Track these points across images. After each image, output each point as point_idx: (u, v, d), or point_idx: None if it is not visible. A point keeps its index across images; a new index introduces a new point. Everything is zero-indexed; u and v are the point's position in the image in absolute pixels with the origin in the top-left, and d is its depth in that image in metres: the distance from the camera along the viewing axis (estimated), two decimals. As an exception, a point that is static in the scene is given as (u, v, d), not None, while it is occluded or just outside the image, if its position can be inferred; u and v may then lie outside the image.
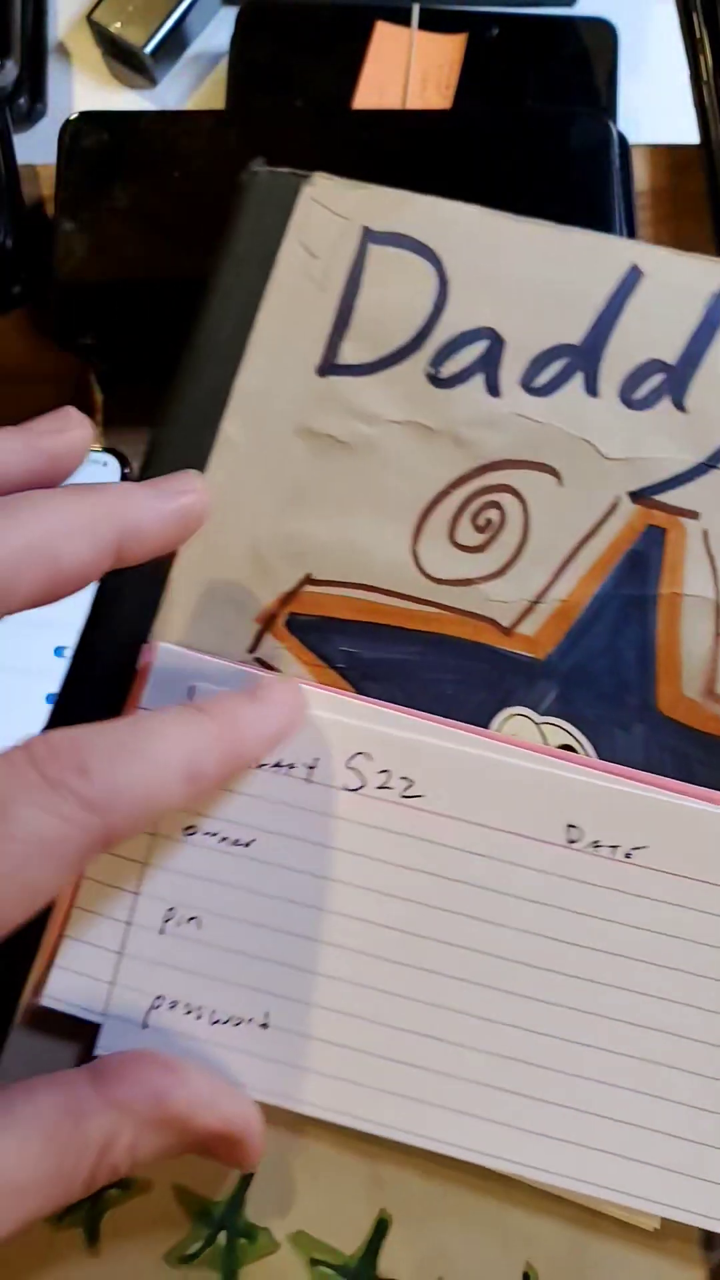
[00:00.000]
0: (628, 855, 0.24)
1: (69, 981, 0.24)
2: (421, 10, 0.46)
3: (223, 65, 0.47)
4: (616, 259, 0.26)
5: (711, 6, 0.38)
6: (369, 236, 0.26)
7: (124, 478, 0.38)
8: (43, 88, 0.47)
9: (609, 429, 0.25)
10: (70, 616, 0.37)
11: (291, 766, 0.24)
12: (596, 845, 0.24)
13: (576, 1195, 0.23)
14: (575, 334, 0.25)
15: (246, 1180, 0.24)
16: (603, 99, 0.46)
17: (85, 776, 0.19)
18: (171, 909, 0.24)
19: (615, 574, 0.25)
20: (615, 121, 0.44)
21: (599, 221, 0.37)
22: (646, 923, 0.23)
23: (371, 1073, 0.23)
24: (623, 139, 0.39)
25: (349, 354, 0.26)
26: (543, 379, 0.25)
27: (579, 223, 0.37)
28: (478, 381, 0.25)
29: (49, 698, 0.36)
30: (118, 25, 0.46)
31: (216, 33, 0.48)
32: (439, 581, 0.25)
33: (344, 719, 0.24)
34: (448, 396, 0.25)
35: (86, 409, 0.40)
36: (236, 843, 0.24)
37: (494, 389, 0.25)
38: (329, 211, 0.27)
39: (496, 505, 0.25)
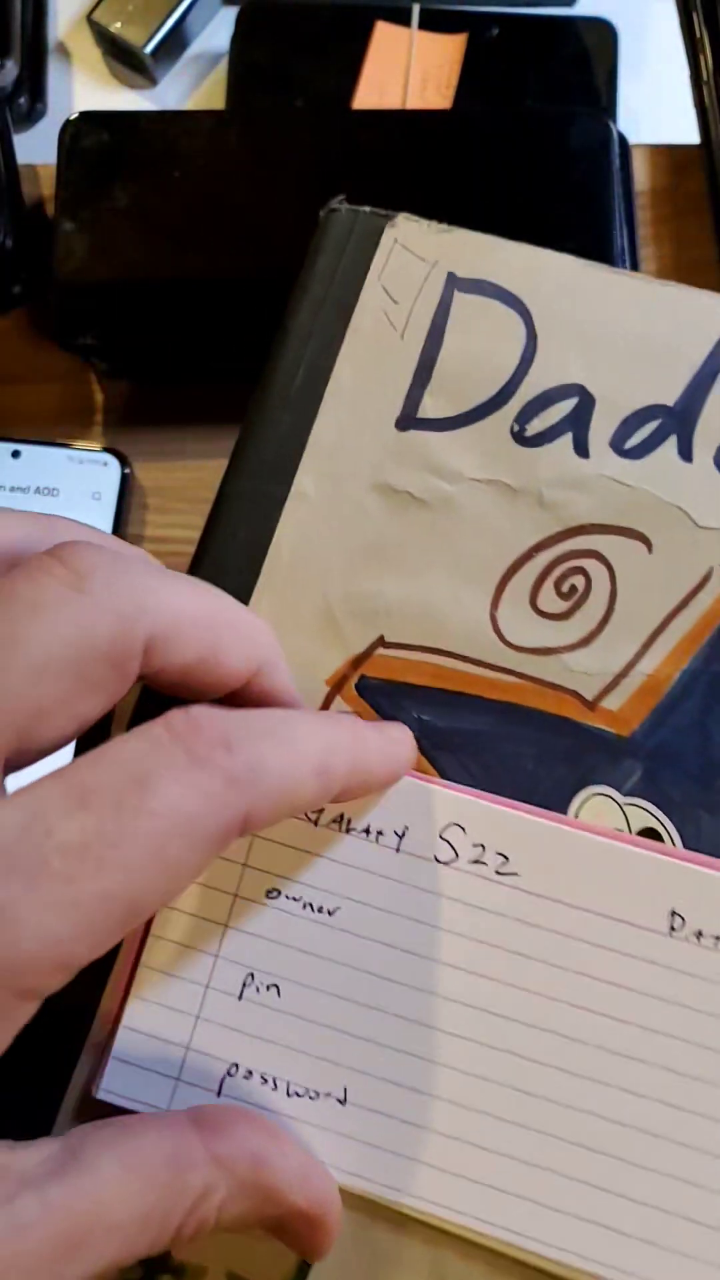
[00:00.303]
0: None
1: (139, 1043, 0.23)
2: (421, 10, 0.46)
3: (223, 65, 0.47)
4: (714, 316, 0.25)
5: (712, 6, 0.38)
6: (454, 283, 0.25)
7: (124, 478, 0.38)
8: (43, 87, 0.47)
9: (703, 496, 0.24)
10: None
11: (381, 834, 0.23)
12: (700, 935, 0.22)
13: None
14: (669, 395, 0.24)
15: (304, 1270, 0.22)
16: (603, 99, 0.46)
17: (230, 752, 0.18)
18: (251, 974, 0.23)
19: (706, 648, 0.23)
20: (615, 121, 0.44)
21: (599, 222, 0.37)
22: None
23: (452, 1158, 0.22)
24: (623, 139, 0.39)
25: (430, 407, 0.25)
26: (634, 441, 0.24)
27: (578, 222, 0.37)
28: (565, 441, 0.24)
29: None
30: (118, 25, 0.46)
31: (216, 33, 0.48)
32: (519, 649, 0.24)
33: (438, 788, 0.23)
34: (533, 455, 0.24)
35: (87, 409, 0.40)
36: (321, 909, 0.23)
37: (582, 449, 0.24)
38: (412, 254, 0.26)
39: (582, 571, 0.24)
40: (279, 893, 0.23)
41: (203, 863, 0.18)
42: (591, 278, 0.25)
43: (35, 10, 0.47)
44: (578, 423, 0.24)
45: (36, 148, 0.41)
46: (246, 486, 0.26)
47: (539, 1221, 0.22)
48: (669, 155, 0.41)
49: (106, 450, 0.38)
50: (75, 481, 0.37)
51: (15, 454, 0.38)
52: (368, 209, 0.26)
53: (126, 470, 0.38)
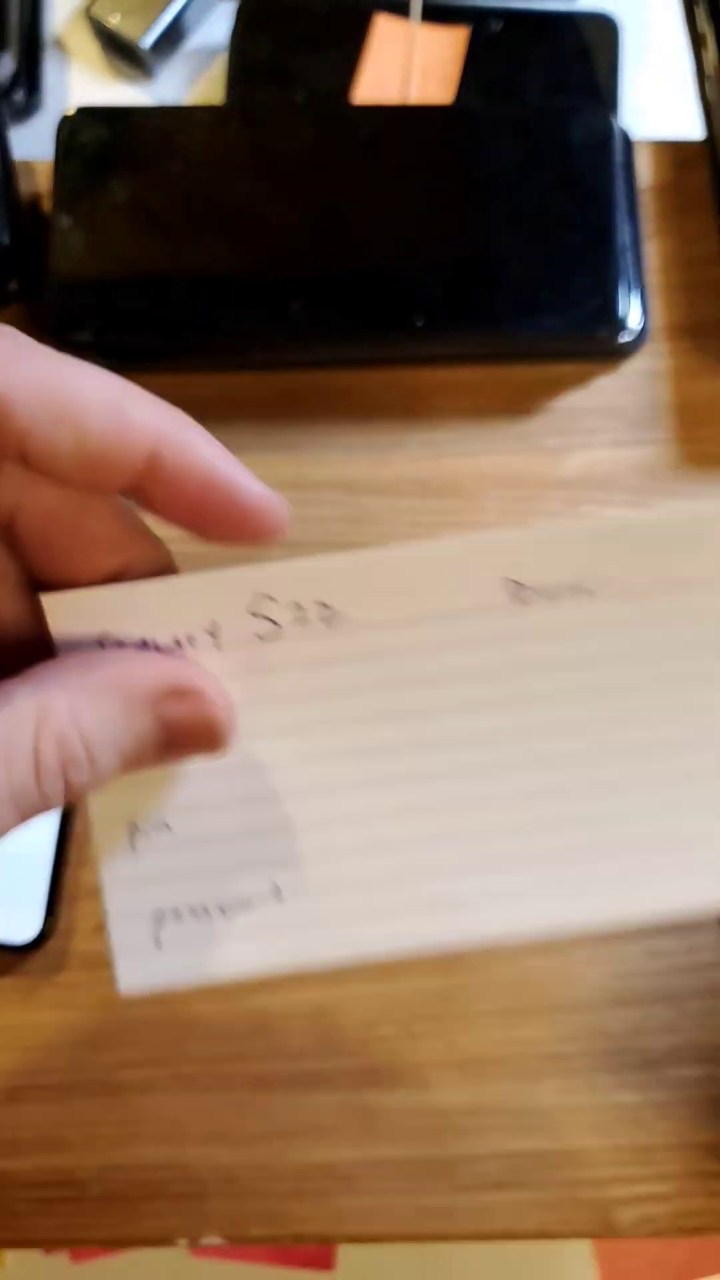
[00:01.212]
0: (583, 590, 0.22)
1: (125, 929, 0.23)
2: (423, 3, 0.46)
3: (221, 59, 0.46)
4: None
5: (715, 2, 0.38)
6: None
7: (122, 475, 0.37)
8: (39, 82, 0.47)
9: None
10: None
11: (192, 639, 0.22)
12: (537, 592, 0.22)
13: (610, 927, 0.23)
14: None
15: None
16: (605, 94, 0.45)
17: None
18: (132, 825, 0.23)
19: None
20: (618, 116, 0.43)
21: (601, 217, 0.37)
22: (618, 649, 0.22)
23: (398, 894, 0.22)
24: (626, 134, 0.39)
25: None
26: None
27: (580, 218, 0.36)
28: None
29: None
30: (116, 19, 0.46)
31: (215, 26, 0.48)
32: None
33: (226, 572, 0.22)
34: None
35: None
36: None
37: None
38: None
39: None
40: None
41: None
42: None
43: (32, 3, 0.46)
44: None
45: (33, 143, 0.41)
46: None
47: (498, 911, 0.22)
48: (672, 150, 0.41)
49: (104, 448, 0.38)
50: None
51: (12, 451, 0.37)
52: None
53: (124, 468, 0.37)
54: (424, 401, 0.39)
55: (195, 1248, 0.29)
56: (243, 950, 0.22)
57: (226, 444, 0.41)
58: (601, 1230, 0.33)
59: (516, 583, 0.22)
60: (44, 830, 0.35)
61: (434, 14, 0.46)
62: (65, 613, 0.22)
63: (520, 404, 0.39)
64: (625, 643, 0.22)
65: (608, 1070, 0.34)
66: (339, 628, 0.22)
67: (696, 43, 0.39)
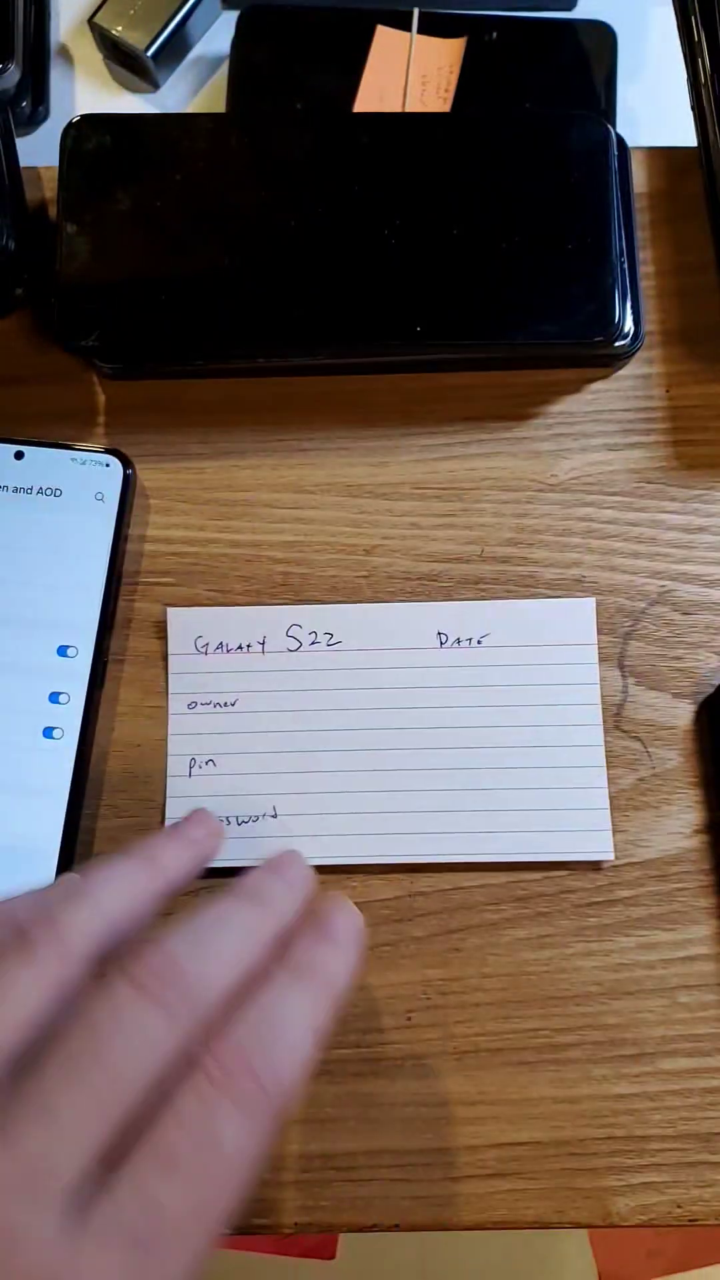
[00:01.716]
0: (479, 641, 0.37)
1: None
2: (421, 14, 0.46)
3: (224, 68, 0.47)
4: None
5: (710, 10, 0.39)
6: None
7: (126, 479, 0.38)
8: (45, 91, 0.47)
9: None
10: (70, 616, 0.38)
11: (249, 646, 0.37)
12: (458, 641, 0.37)
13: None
14: None
15: None
16: (601, 101, 0.46)
17: (258, 1081, 0.23)
18: (194, 757, 0.37)
19: None
20: (614, 124, 0.44)
21: (597, 224, 0.37)
22: (496, 679, 0.37)
23: (354, 824, 0.36)
24: (621, 141, 0.39)
25: None
26: None
27: (576, 225, 0.37)
28: None
29: (52, 697, 0.36)
30: (119, 29, 0.46)
31: (218, 36, 0.49)
32: None
33: (271, 606, 0.38)
34: None
35: (89, 410, 0.40)
36: (224, 705, 0.37)
37: None
38: None
39: None
40: (195, 704, 0.37)
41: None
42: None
43: (37, 14, 0.47)
44: None
45: (39, 151, 0.41)
46: None
47: (415, 844, 0.36)
48: (667, 157, 0.41)
49: (109, 451, 0.38)
50: (78, 482, 0.38)
51: (18, 455, 0.38)
52: None
53: (129, 471, 0.38)
54: (422, 406, 0.40)
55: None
56: (245, 849, 0.35)
57: (229, 448, 0.42)
58: (598, 1220, 0.33)
59: (443, 633, 0.37)
60: (51, 824, 0.35)
61: (433, 23, 0.46)
62: (176, 620, 0.38)
63: (516, 409, 0.40)
64: (503, 673, 0.37)
65: (603, 1061, 0.35)
66: (337, 649, 0.37)
67: (691, 51, 0.40)
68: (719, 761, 0.36)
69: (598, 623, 0.38)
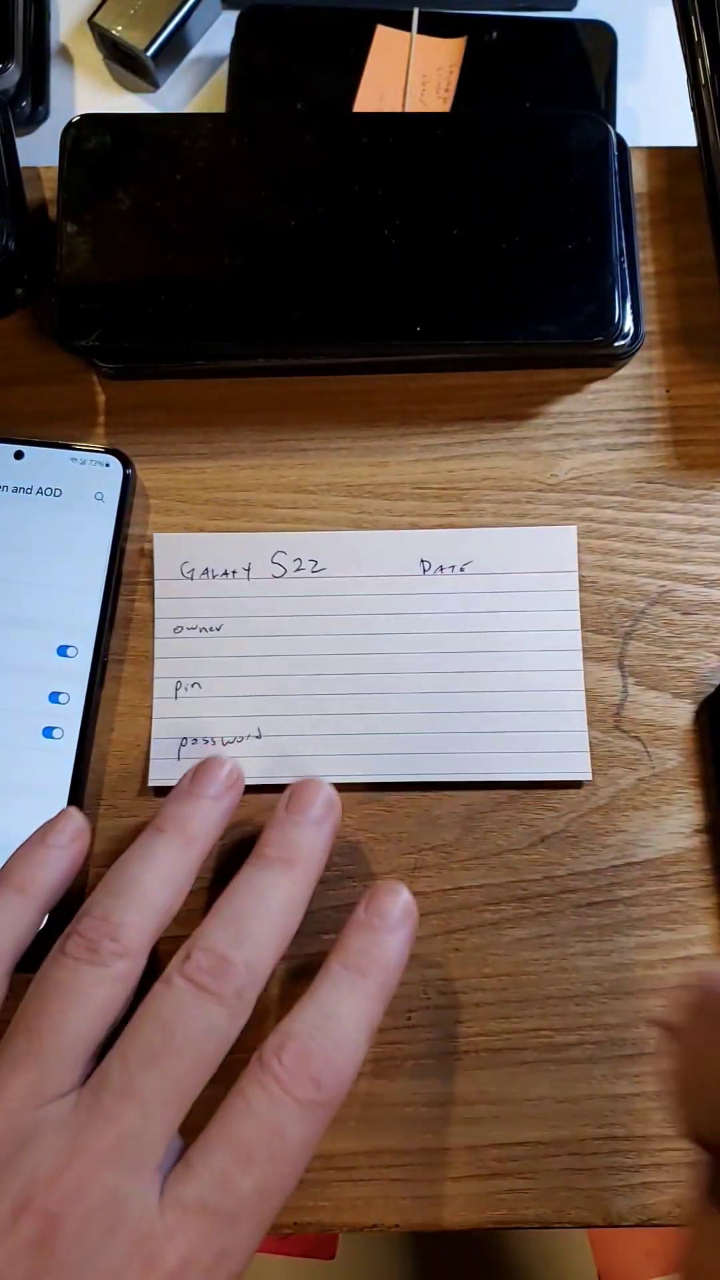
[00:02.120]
0: (461, 569, 0.38)
1: (161, 747, 0.37)
2: (421, 14, 0.46)
3: (224, 68, 0.47)
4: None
5: (710, 10, 0.39)
6: None
7: (126, 479, 0.38)
8: (45, 91, 0.47)
9: None
10: (70, 616, 0.38)
11: (235, 572, 0.38)
12: (440, 569, 0.38)
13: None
14: None
15: None
16: (601, 101, 0.46)
17: (319, 1087, 0.28)
18: (179, 680, 0.37)
19: None
20: (614, 124, 0.44)
21: (597, 224, 0.37)
22: (478, 605, 0.37)
23: (336, 744, 0.36)
24: (621, 141, 0.39)
25: None
26: None
27: (576, 225, 0.37)
28: None
29: (52, 697, 0.36)
30: (119, 28, 0.46)
31: (217, 36, 0.49)
32: None
33: (260, 533, 0.38)
34: None
35: (89, 410, 0.40)
36: (210, 630, 0.37)
37: None
38: None
39: None
40: (181, 628, 0.37)
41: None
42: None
43: (37, 14, 0.47)
44: None
45: (39, 151, 0.41)
46: None
47: (387, 764, 0.36)
48: (667, 157, 0.41)
49: (109, 451, 0.38)
50: (78, 482, 0.38)
51: (18, 455, 0.38)
52: None
53: (129, 471, 0.38)
54: (422, 406, 0.40)
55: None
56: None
57: (230, 448, 0.42)
58: (598, 1220, 0.33)
59: (425, 560, 0.38)
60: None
61: (432, 23, 0.46)
62: (163, 546, 0.38)
63: (516, 409, 0.40)
64: (485, 599, 0.37)
65: (603, 1061, 0.35)
66: (321, 575, 0.38)
67: (691, 51, 0.40)
68: (719, 761, 0.36)
69: (597, 623, 0.38)
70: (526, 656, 0.37)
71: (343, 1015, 0.29)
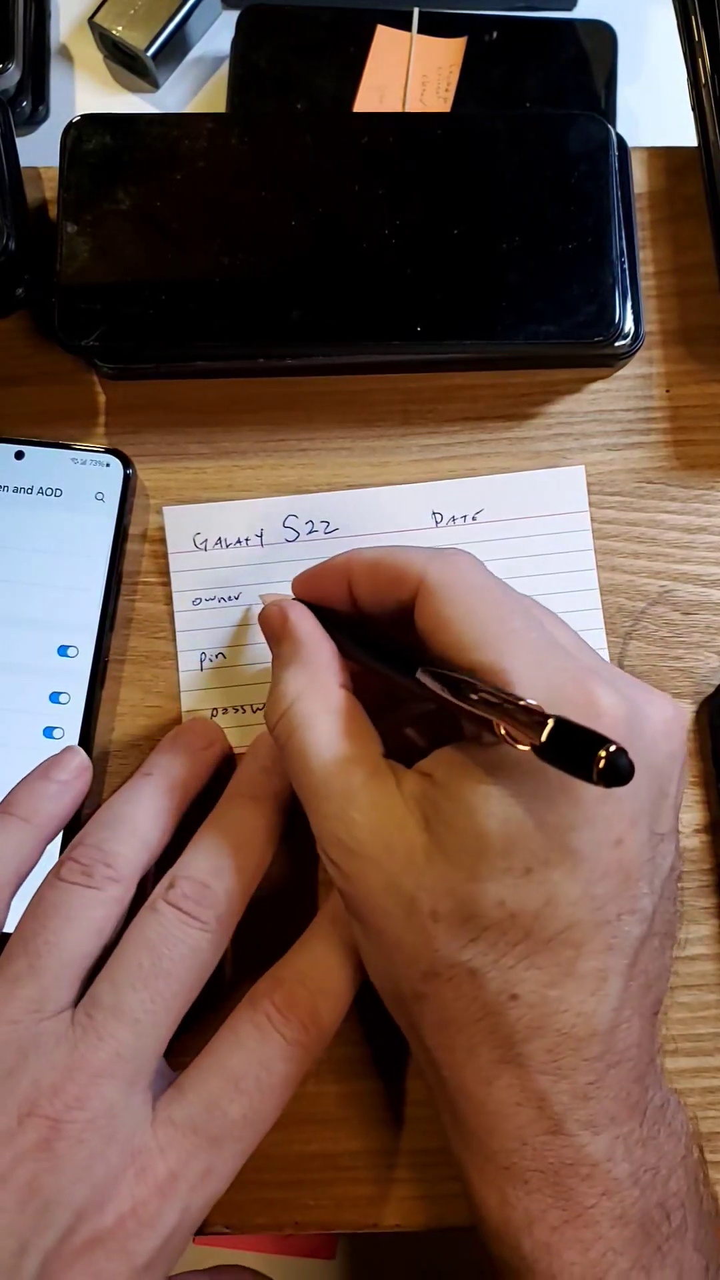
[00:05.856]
0: (474, 518, 0.38)
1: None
2: (422, 14, 0.46)
3: (224, 68, 0.47)
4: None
5: (710, 10, 0.39)
6: None
7: (126, 479, 0.38)
8: (45, 91, 0.47)
9: None
10: (71, 616, 0.38)
11: (248, 539, 0.38)
12: (453, 519, 0.38)
13: None
14: None
15: None
16: (602, 101, 0.46)
17: (316, 1024, 0.30)
18: (203, 652, 0.38)
19: None
20: (614, 124, 0.44)
21: (597, 224, 0.37)
22: (493, 553, 0.37)
23: None
24: (621, 141, 0.39)
25: None
26: None
27: (576, 225, 0.37)
28: None
29: (52, 697, 0.36)
30: (120, 28, 0.46)
31: (218, 36, 0.49)
32: None
33: (266, 499, 0.38)
34: None
35: (89, 410, 0.40)
36: (229, 599, 0.38)
37: None
38: None
39: None
40: (200, 600, 0.38)
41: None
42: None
43: (37, 14, 0.47)
44: None
45: (39, 151, 0.41)
46: None
47: None
48: (667, 157, 0.41)
49: (109, 451, 0.38)
50: (78, 482, 0.38)
51: (19, 455, 0.38)
52: None
53: (129, 471, 0.38)
54: (423, 406, 0.40)
55: (198, 1236, 0.30)
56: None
57: (231, 448, 0.42)
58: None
59: (437, 513, 0.38)
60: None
61: (433, 23, 0.46)
62: (174, 518, 0.38)
63: (516, 409, 0.40)
64: (500, 547, 0.38)
65: (603, 1061, 0.35)
66: (335, 535, 0.38)
67: (691, 50, 0.40)
68: (719, 761, 0.36)
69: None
70: (543, 599, 0.35)
71: (332, 964, 0.30)
